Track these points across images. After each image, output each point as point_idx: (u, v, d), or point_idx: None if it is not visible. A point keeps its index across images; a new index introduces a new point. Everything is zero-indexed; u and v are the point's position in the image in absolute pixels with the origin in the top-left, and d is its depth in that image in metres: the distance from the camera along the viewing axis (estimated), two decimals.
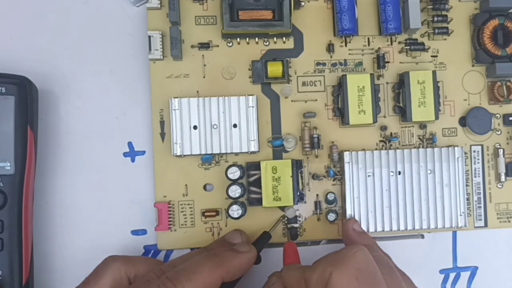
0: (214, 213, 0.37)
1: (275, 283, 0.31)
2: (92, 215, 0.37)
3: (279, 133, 0.38)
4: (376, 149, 0.38)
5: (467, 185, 0.39)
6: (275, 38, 0.38)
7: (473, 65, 0.39)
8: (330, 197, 0.37)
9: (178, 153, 0.35)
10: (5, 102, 0.33)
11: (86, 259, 0.36)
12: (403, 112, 0.38)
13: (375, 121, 0.37)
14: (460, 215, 0.37)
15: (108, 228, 0.37)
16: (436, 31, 0.38)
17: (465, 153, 0.39)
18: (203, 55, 0.37)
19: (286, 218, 0.37)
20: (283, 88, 0.37)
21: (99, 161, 0.37)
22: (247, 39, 0.37)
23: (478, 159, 0.39)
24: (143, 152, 0.38)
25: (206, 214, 0.37)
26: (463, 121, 0.39)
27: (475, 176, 0.39)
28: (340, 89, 0.37)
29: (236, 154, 0.37)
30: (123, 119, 0.38)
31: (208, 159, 0.37)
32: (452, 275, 0.39)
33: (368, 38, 0.39)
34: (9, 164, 0.33)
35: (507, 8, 0.38)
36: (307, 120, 0.38)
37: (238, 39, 0.37)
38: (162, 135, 0.37)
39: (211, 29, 0.37)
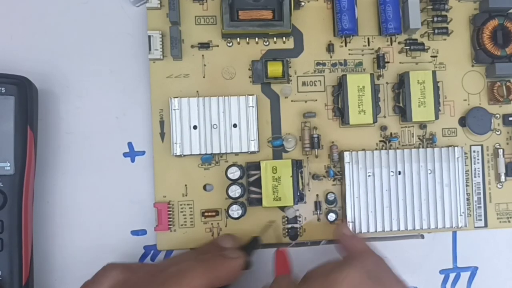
0: (214, 213, 0.37)
1: None
2: (92, 215, 0.37)
3: (279, 133, 0.38)
4: (376, 149, 0.38)
5: (467, 185, 0.39)
6: (275, 38, 0.38)
7: (472, 65, 0.39)
8: (330, 197, 0.37)
9: (178, 153, 0.35)
10: (5, 102, 0.33)
11: (86, 259, 0.36)
12: (403, 112, 0.38)
13: (375, 121, 0.37)
14: (460, 215, 0.37)
15: (108, 228, 0.37)
16: (436, 31, 0.38)
17: (465, 153, 0.39)
18: (203, 55, 0.37)
19: (286, 218, 0.37)
20: (283, 88, 0.37)
21: (99, 161, 0.37)
22: (247, 39, 0.37)
23: (478, 159, 0.39)
24: (143, 152, 0.38)
25: (206, 214, 0.37)
26: (463, 121, 0.39)
27: (475, 176, 0.39)
28: (340, 89, 0.37)
29: (236, 154, 0.37)
30: (123, 119, 0.38)
31: (208, 159, 0.37)
32: (452, 275, 0.39)
33: (368, 38, 0.39)
34: (9, 164, 0.33)
35: (507, 9, 0.38)
36: (307, 120, 0.38)
37: (238, 39, 0.37)
38: (162, 135, 0.37)
39: (211, 29, 0.37)
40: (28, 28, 0.37)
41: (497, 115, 0.39)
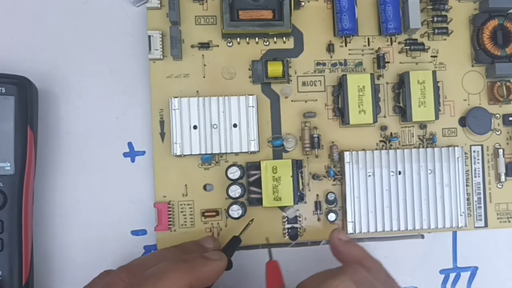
0: (214, 213, 0.37)
1: None
2: (92, 215, 0.37)
3: (279, 133, 0.38)
4: (376, 149, 0.38)
5: (467, 185, 0.39)
6: (275, 38, 0.38)
7: (472, 65, 0.39)
8: (330, 197, 0.37)
9: (178, 153, 0.35)
10: (5, 102, 0.33)
11: (86, 259, 0.37)
12: (403, 112, 0.38)
13: (375, 121, 0.37)
14: (460, 215, 0.37)
15: (108, 228, 0.37)
16: (436, 31, 0.38)
17: (465, 153, 0.39)
18: (203, 55, 0.37)
19: (286, 218, 0.37)
20: (283, 88, 0.37)
21: (99, 161, 0.37)
22: (247, 39, 0.37)
23: (478, 159, 0.39)
24: (143, 152, 0.38)
25: (206, 214, 0.37)
26: (463, 121, 0.39)
27: (475, 176, 0.39)
28: (340, 89, 0.37)
29: (236, 154, 0.37)
30: (123, 119, 0.38)
31: (208, 159, 0.37)
32: (452, 275, 0.39)
33: (368, 38, 0.39)
34: (9, 164, 0.33)
35: (507, 9, 0.38)
36: (307, 120, 0.38)
37: (238, 39, 0.37)
38: (162, 135, 0.37)
39: (211, 29, 0.37)
40: (28, 28, 0.37)
41: (497, 115, 0.39)
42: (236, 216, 0.36)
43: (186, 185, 0.37)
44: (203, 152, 0.36)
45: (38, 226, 0.36)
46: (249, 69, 0.38)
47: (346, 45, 0.38)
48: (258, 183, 0.36)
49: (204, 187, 0.37)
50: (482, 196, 0.39)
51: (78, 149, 0.37)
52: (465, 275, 0.39)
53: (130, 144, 0.38)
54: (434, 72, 0.37)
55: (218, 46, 0.37)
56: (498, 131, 0.39)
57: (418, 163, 0.37)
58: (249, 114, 0.36)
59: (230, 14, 0.36)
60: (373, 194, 0.37)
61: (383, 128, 0.38)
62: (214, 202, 0.37)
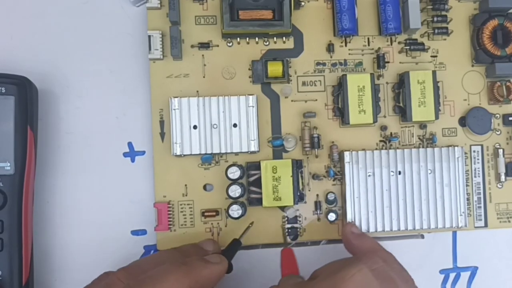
0: (214, 213, 0.37)
1: None
2: (92, 215, 0.37)
3: (279, 133, 0.38)
4: (376, 149, 0.38)
5: (467, 185, 0.39)
6: (275, 38, 0.38)
7: (472, 65, 0.39)
8: (330, 197, 0.37)
9: (178, 153, 0.35)
10: (5, 102, 0.33)
11: (86, 259, 0.36)
12: (403, 112, 0.38)
13: (375, 121, 0.37)
14: (460, 215, 0.37)
15: (108, 228, 0.37)
16: (436, 31, 0.38)
17: (465, 153, 0.39)
18: (203, 55, 0.37)
19: (286, 218, 0.37)
20: (283, 88, 0.37)
21: (99, 161, 0.37)
22: (247, 39, 0.37)
23: (478, 159, 0.39)
24: (143, 152, 0.38)
25: (206, 214, 0.37)
26: (463, 121, 0.39)
27: (475, 176, 0.39)
28: (340, 89, 0.37)
29: (236, 154, 0.37)
30: (123, 119, 0.38)
31: (208, 159, 0.37)
32: (452, 275, 0.39)
33: (368, 38, 0.39)
34: (9, 164, 0.33)
35: (507, 8, 0.38)
36: (307, 120, 0.38)
37: (238, 39, 0.37)
38: (162, 135, 0.37)
39: (211, 29, 0.37)
40: (28, 28, 0.37)
41: (497, 115, 0.39)
42: (236, 216, 0.36)
43: (186, 185, 0.37)
44: (203, 152, 0.36)
45: (38, 226, 0.36)
46: (249, 69, 0.38)
47: (346, 45, 0.38)
48: (258, 183, 0.36)
49: (204, 187, 0.37)
50: (482, 196, 0.39)
51: (78, 149, 0.37)
52: (465, 275, 0.39)
53: (130, 144, 0.38)
54: (434, 72, 0.37)
55: (218, 46, 0.37)
56: (498, 131, 0.39)
57: (418, 163, 0.37)
58: (249, 114, 0.36)
59: (230, 14, 0.36)
60: (373, 194, 0.37)
61: (383, 128, 0.38)
62: (214, 202, 0.37)
